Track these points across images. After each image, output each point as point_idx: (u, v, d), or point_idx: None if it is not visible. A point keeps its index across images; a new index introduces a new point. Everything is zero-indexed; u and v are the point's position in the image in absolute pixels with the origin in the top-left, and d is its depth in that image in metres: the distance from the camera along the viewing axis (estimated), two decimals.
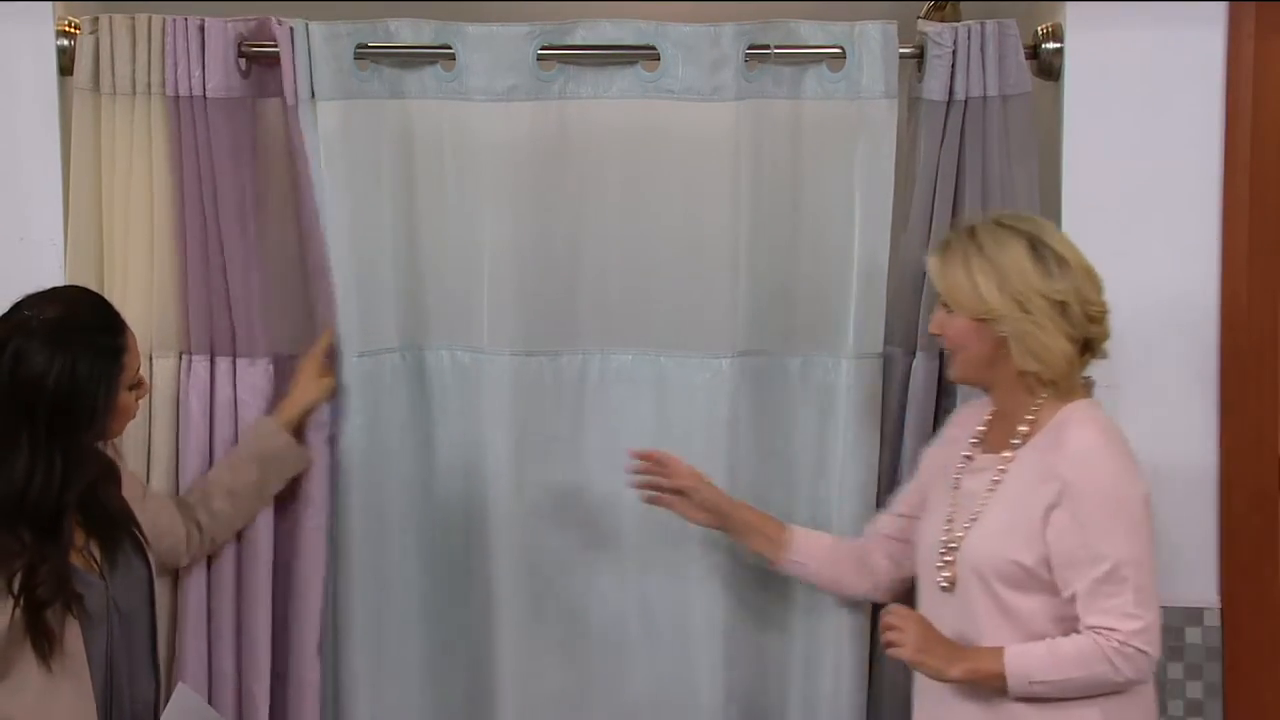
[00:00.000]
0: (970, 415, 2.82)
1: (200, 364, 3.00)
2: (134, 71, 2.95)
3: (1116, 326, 2.97)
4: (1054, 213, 3.06)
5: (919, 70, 3.05)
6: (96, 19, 2.95)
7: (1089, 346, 2.66)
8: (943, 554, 2.68)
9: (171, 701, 2.58)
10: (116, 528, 2.58)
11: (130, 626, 2.57)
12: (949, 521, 2.69)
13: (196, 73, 2.94)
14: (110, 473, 2.62)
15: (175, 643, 2.98)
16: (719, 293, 3.05)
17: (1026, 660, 2.54)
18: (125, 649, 2.55)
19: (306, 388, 3.00)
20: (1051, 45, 3.06)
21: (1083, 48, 3.04)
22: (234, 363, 3.02)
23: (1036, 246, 2.62)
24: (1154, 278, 3.05)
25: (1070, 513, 2.53)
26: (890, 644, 2.65)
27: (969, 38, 2.98)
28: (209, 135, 2.95)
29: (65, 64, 2.99)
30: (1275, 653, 3.09)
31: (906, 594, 2.86)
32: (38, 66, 3.00)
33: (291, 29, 2.95)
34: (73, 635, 2.46)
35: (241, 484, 2.92)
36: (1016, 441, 2.66)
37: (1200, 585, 3.08)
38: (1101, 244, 2.95)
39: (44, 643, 2.43)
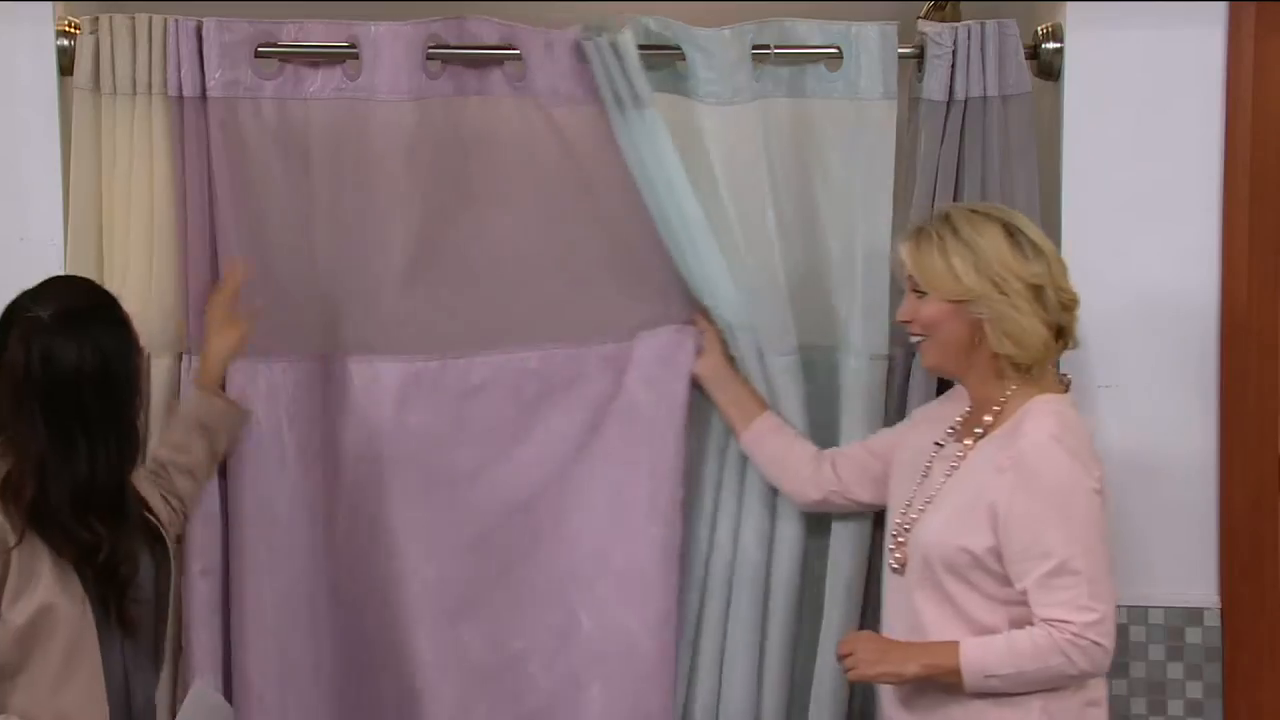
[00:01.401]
0: (951, 405, 2.82)
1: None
2: (134, 72, 2.94)
3: (1117, 326, 3.01)
4: (1054, 213, 3.06)
5: (919, 70, 3.05)
6: (96, 19, 2.94)
7: (1061, 334, 2.65)
8: (895, 535, 2.71)
9: (188, 699, 2.58)
10: (130, 519, 2.58)
11: (138, 620, 2.57)
12: (907, 505, 2.72)
13: (203, 72, 2.94)
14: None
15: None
16: (767, 292, 3.06)
17: (982, 654, 2.54)
18: (133, 642, 2.56)
19: (220, 340, 2.95)
20: (1051, 45, 3.06)
21: (1082, 48, 3.04)
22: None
23: (1012, 232, 2.62)
24: (1154, 278, 3.05)
25: (1019, 506, 2.53)
26: (849, 670, 2.66)
27: (969, 38, 2.99)
28: (216, 134, 2.97)
29: (65, 64, 2.98)
30: (1275, 653, 3.08)
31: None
32: (38, 66, 2.99)
33: (594, 38, 2.98)
34: (87, 628, 2.47)
35: (196, 461, 2.90)
36: (979, 430, 2.67)
37: (1200, 585, 3.08)
38: (1102, 244, 3.00)
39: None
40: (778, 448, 3.01)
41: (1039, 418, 2.59)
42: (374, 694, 3.09)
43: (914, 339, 2.74)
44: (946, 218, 2.66)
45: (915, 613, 2.64)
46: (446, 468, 3.09)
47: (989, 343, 2.61)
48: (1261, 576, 3.07)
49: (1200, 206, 3.04)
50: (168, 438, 2.90)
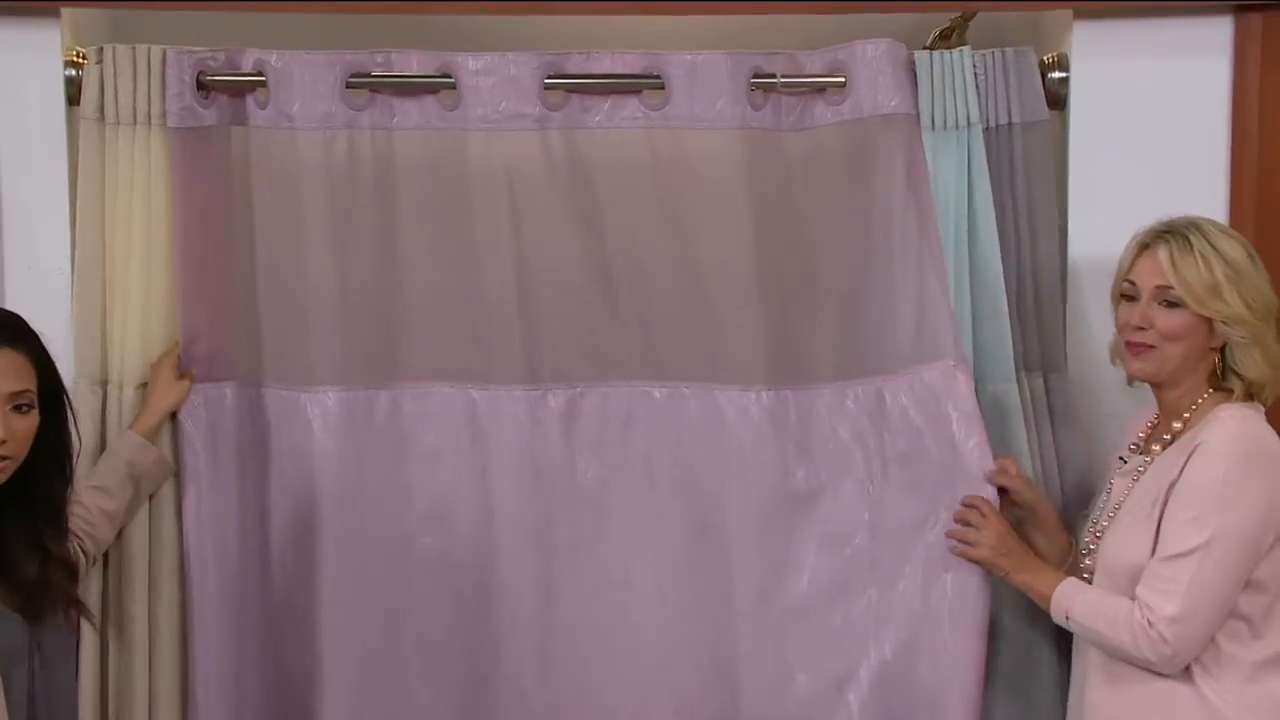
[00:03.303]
0: (1138, 420, 2.81)
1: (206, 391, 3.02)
2: (135, 102, 2.95)
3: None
4: (1060, 236, 3.06)
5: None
6: (102, 49, 2.95)
7: None
8: (1083, 551, 2.73)
9: None
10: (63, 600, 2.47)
11: (54, 668, 2.46)
12: (1094, 521, 2.73)
13: (167, 103, 2.95)
14: (72, 572, 2.53)
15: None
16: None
17: (1073, 596, 2.61)
18: (47, 690, 2.43)
19: (165, 394, 2.96)
20: (1057, 75, 3.05)
21: (1088, 77, 3.03)
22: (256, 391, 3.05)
23: (1252, 255, 2.61)
24: None
25: (1177, 502, 2.52)
26: (964, 541, 2.75)
27: (987, 65, 3.00)
28: (199, 165, 2.98)
29: (73, 94, 2.99)
30: None
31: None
32: (46, 96, 2.99)
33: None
34: None
35: (119, 506, 2.87)
36: (1167, 437, 2.65)
37: None
38: (1108, 276, 2.90)
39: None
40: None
41: (1223, 423, 2.56)
42: None
43: (1135, 345, 2.66)
44: (1199, 229, 2.61)
45: None
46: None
47: (1235, 364, 2.60)
48: None
49: None
50: (95, 484, 2.85)
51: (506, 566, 3.03)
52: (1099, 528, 2.72)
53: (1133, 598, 2.55)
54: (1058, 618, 2.65)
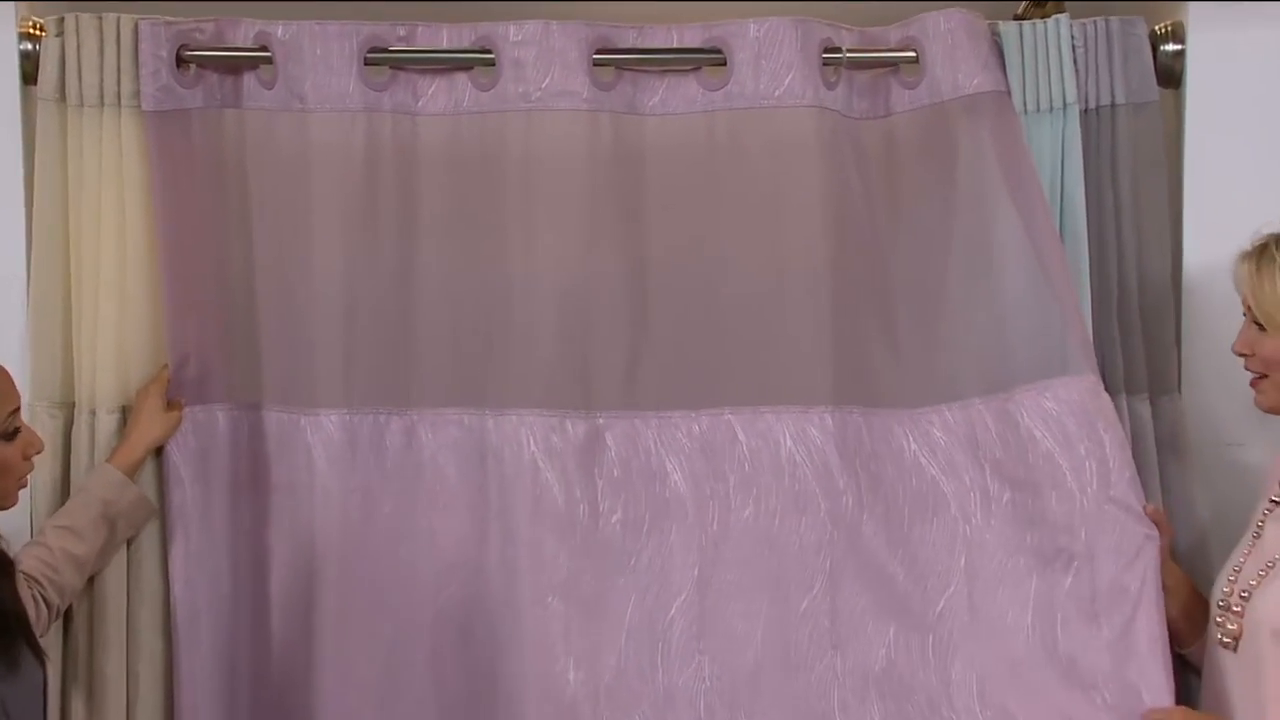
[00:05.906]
0: None
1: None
2: (101, 80, 2.77)
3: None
4: (1174, 235, 2.88)
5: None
6: (62, 19, 2.78)
7: None
8: (1222, 607, 2.46)
9: None
10: (11, 626, 2.31)
11: None
12: (1236, 571, 2.47)
13: (140, 82, 2.76)
14: (4, 568, 2.34)
15: None
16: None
17: None
18: None
19: (150, 425, 2.77)
20: (1171, 47, 2.87)
21: (1207, 49, 2.85)
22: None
23: None
24: None
25: None
26: None
27: (1086, 37, 2.82)
28: (181, 153, 2.78)
29: (29, 71, 2.81)
30: None
31: None
32: None
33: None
34: None
35: (89, 551, 2.68)
36: None
37: None
38: (1228, 272, 2.65)
39: None
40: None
41: None
42: None
43: (1252, 372, 2.51)
44: None
45: (1257, 690, 2.37)
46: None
47: None
48: None
49: None
50: (63, 525, 2.66)
51: (529, 620, 2.74)
52: (1245, 584, 2.43)
53: None
54: None
